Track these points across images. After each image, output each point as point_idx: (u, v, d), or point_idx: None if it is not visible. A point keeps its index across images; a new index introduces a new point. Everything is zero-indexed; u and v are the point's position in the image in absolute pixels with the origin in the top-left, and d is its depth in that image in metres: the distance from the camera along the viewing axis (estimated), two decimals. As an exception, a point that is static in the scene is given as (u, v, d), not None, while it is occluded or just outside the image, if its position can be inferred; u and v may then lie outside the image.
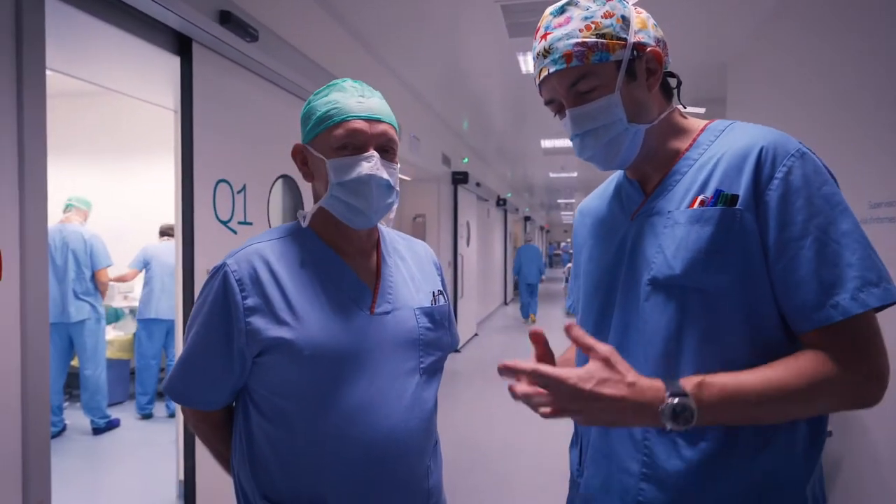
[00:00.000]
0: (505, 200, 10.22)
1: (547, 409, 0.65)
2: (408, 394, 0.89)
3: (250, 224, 2.34)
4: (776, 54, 2.97)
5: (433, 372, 0.96)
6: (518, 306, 10.02)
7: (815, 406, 0.69)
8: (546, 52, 0.78)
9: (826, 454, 0.77)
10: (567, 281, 10.64)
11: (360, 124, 0.87)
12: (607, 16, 0.76)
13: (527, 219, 16.95)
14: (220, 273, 0.87)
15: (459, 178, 6.47)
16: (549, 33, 0.78)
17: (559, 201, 17.63)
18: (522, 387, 0.65)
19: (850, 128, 2.10)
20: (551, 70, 0.78)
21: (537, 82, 0.82)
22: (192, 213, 2.01)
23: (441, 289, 1.04)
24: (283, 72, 2.45)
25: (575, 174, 10.55)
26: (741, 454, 0.71)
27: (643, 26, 0.79)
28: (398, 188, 0.94)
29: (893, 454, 1.83)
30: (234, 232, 2.22)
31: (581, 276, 0.94)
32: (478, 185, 7.46)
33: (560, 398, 0.64)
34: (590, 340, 0.66)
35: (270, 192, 2.52)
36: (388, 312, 0.92)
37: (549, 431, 3.81)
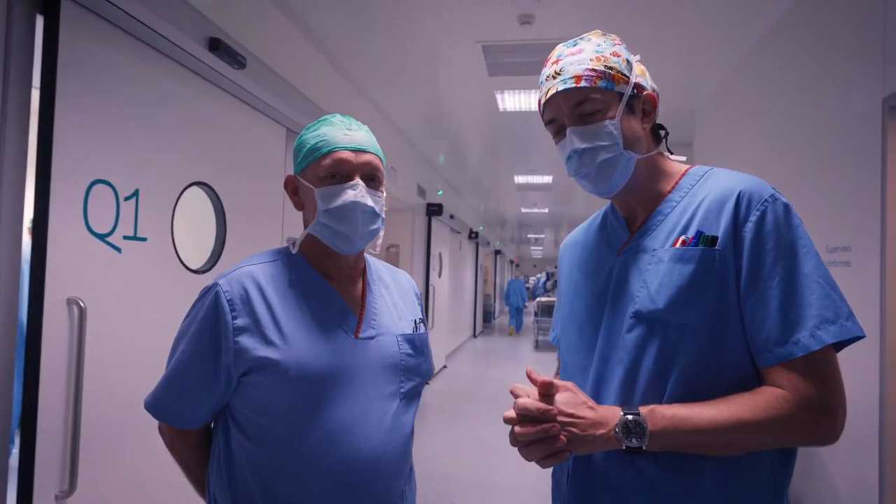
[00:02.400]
0: (477, 233, 10.33)
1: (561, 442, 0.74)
2: (388, 417, 0.93)
3: (143, 240, 1.78)
4: (742, 101, 3.17)
5: (412, 397, 1.00)
6: (482, 340, 10.13)
7: (769, 439, 0.72)
8: (556, 74, 0.84)
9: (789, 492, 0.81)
10: (536, 315, 10.72)
11: (346, 154, 0.93)
12: (615, 55, 0.84)
13: (497, 252, 17.12)
14: (211, 292, 0.90)
15: (434, 210, 6.53)
16: (561, 59, 0.85)
17: (529, 236, 17.92)
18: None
19: (808, 175, 2.24)
20: (560, 88, 0.83)
21: (542, 102, 0.87)
22: (45, 221, 1.45)
23: (422, 317, 1.09)
24: (204, 58, 1.98)
25: (546, 210, 10.78)
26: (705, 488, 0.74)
27: (643, 74, 0.87)
28: (384, 215, 0.98)
29: (853, 492, 1.89)
30: (118, 249, 1.68)
31: (565, 308, 0.97)
32: (451, 217, 7.54)
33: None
34: (547, 380, 0.76)
35: (177, 201, 1.98)
36: (371, 337, 0.96)
37: (517, 465, 3.77)
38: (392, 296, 1.05)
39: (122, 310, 1.72)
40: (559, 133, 0.86)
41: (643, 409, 0.73)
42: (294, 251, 0.97)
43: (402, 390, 0.96)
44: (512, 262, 24.96)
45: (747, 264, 0.75)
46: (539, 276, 22.09)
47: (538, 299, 10.97)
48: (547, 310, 10.63)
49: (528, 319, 14.34)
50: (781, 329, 0.72)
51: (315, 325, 0.91)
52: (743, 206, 0.76)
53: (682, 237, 0.79)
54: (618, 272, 0.86)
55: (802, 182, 2.27)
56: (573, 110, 0.83)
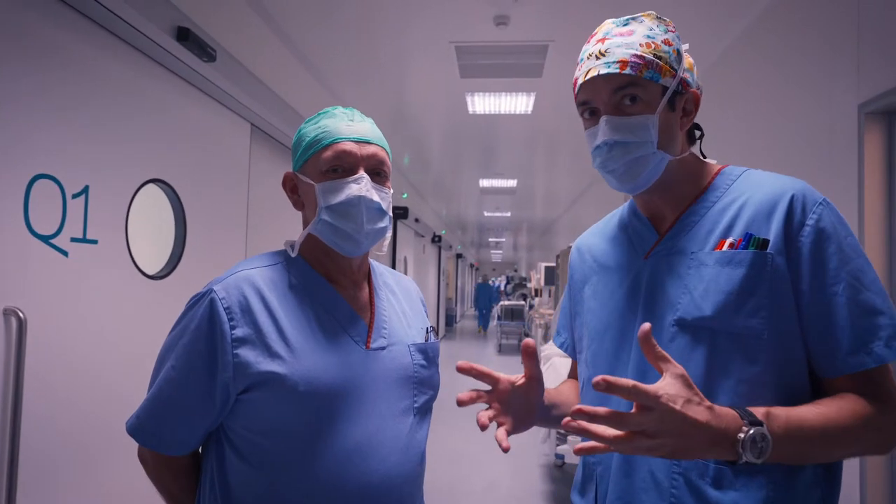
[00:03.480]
0: (440, 237, 10.28)
1: (589, 444, 0.58)
2: (403, 435, 0.86)
3: (93, 242, 1.62)
4: (718, 105, 3.23)
5: (425, 412, 0.93)
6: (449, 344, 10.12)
7: (857, 447, 0.70)
8: (601, 54, 0.77)
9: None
10: (500, 319, 10.75)
11: (349, 146, 0.86)
12: (666, 43, 0.78)
13: (459, 256, 17.13)
14: (205, 300, 0.81)
15: (399, 214, 6.43)
16: (608, 38, 0.78)
17: (490, 240, 18.02)
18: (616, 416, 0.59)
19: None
20: (602, 71, 0.76)
21: (580, 82, 0.79)
22: None
23: (432, 325, 1.01)
24: (171, 48, 1.84)
25: (508, 214, 10.84)
26: None
27: (690, 68, 0.82)
28: (391, 213, 0.90)
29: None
30: (64, 253, 1.51)
31: (585, 314, 0.91)
32: (417, 220, 7.45)
33: (649, 419, 0.58)
34: (663, 352, 0.62)
35: (132, 200, 1.82)
36: (383, 348, 0.88)
37: (490, 470, 3.72)
38: (400, 302, 0.98)
39: (69, 321, 1.54)
40: (592, 118, 0.80)
41: (758, 413, 0.63)
42: (294, 254, 0.89)
43: (416, 405, 0.89)
44: (472, 265, 25.07)
45: (809, 269, 0.71)
46: (496, 279, 22.27)
47: (501, 303, 11.00)
48: (510, 313, 10.67)
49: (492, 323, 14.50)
50: (853, 338, 0.69)
51: (323, 334, 0.83)
52: (798, 210, 0.72)
53: (730, 240, 0.75)
54: (649, 276, 0.81)
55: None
56: (612, 97, 0.77)
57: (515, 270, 25.83)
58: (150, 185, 1.93)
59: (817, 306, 0.70)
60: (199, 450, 0.88)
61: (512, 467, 3.90)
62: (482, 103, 4.14)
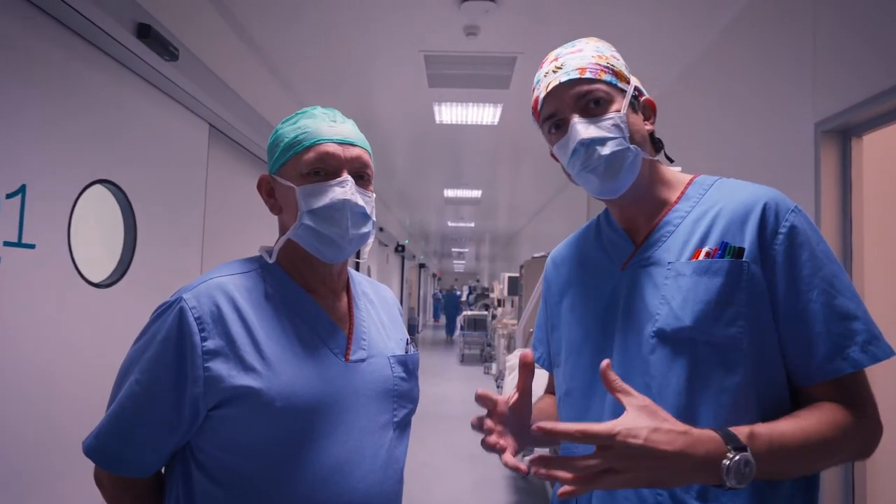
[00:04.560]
0: (403, 247, 10.22)
1: (569, 488, 0.56)
2: (383, 451, 0.82)
3: (30, 247, 1.49)
4: (679, 121, 3.32)
5: (404, 427, 0.90)
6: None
7: (838, 457, 0.69)
8: (557, 69, 0.80)
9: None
10: (463, 329, 10.73)
11: (332, 147, 0.82)
12: (614, 57, 0.82)
13: (421, 266, 17.07)
14: (173, 309, 0.75)
15: (363, 222, 6.33)
16: (560, 57, 0.81)
17: (453, 250, 18.05)
18: (582, 463, 0.57)
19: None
20: (563, 79, 0.78)
21: (542, 96, 0.81)
22: None
23: (409, 337, 0.98)
24: (130, 45, 1.75)
25: (472, 224, 10.89)
26: None
27: (639, 83, 0.85)
28: (374, 218, 0.86)
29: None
30: None
31: (562, 327, 0.90)
32: (381, 230, 7.37)
33: (610, 457, 0.56)
34: (624, 385, 0.61)
35: (76, 201, 1.68)
36: (363, 360, 0.85)
37: (454, 484, 3.65)
38: (378, 313, 0.95)
39: (0, 333, 1.40)
40: (558, 131, 0.80)
41: (741, 435, 0.61)
42: (271, 260, 0.85)
43: (395, 419, 0.86)
44: (434, 275, 25.02)
45: (784, 277, 0.71)
46: (457, 289, 22.33)
47: (464, 313, 10.99)
48: (473, 323, 10.67)
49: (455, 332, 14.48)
50: (829, 344, 0.69)
51: (301, 346, 0.79)
52: (771, 218, 0.73)
53: (705, 249, 0.75)
54: (626, 288, 0.80)
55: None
56: (578, 101, 0.78)
57: (478, 281, 25.96)
58: (98, 187, 1.79)
59: (793, 313, 0.71)
60: (163, 470, 0.82)
61: (476, 479, 3.85)
62: (449, 113, 4.14)
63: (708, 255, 0.74)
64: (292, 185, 0.81)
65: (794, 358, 0.71)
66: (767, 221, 0.73)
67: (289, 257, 0.85)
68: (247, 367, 0.74)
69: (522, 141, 4.87)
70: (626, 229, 0.85)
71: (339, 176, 0.81)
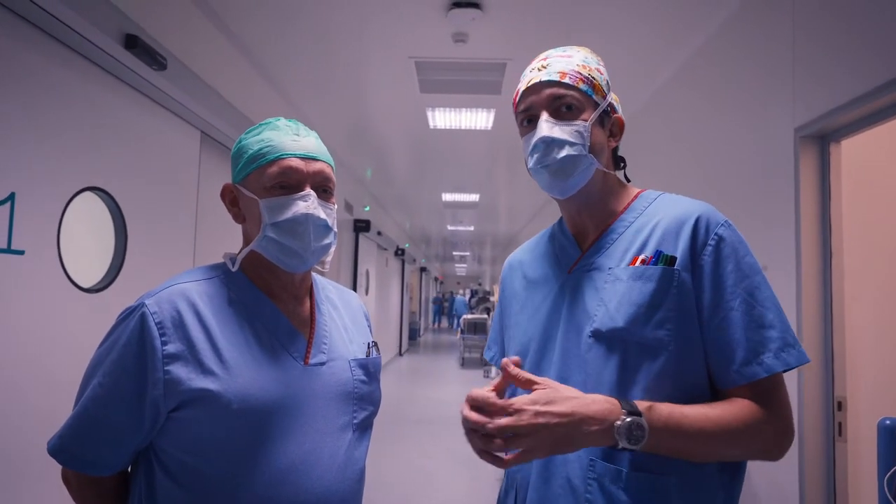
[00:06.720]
0: (403, 251, 10.23)
1: (500, 447, 0.65)
2: (341, 452, 0.84)
3: (19, 253, 1.52)
4: (662, 127, 3.35)
5: (364, 428, 0.92)
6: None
7: (739, 448, 0.73)
8: (543, 68, 0.86)
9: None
10: (463, 332, 10.73)
11: (295, 162, 0.84)
12: (598, 71, 0.87)
13: (423, 269, 17.08)
14: (135, 314, 0.78)
15: (361, 227, 6.37)
16: (549, 58, 0.87)
17: (455, 253, 18.07)
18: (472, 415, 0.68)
19: (727, 199, 2.38)
20: (543, 78, 0.84)
21: (522, 90, 0.87)
22: None
23: (374, 341, 1.00)
24: (118, 55, 1.78)
25: (472, 228, 10.91)
26: None
27: (616, 101, 0.90)
28: (336, 229, 0.89)
29: (775, 499, 1.98)
30: None
31: (513, 328, 0.95)
32: (379, 233, 7.40)
33: (509, 422, 0.65)
34: (528, 375, 0.70)
35: (66, 208, 1.72)
36: (322, 363, 0.87)
37: (449, 486, 3.66)
38: (342, 317, 0.97)
39: (-11, 337, 1.43)
40: (530, 125, 0.86)
41: (641, 406, 0.69)
42: (234, 268, 0.87)
43: (354, 421, 0.88)
44: (437, 279, 25.04)
45: (709, 285, 0.76)
46: (458, 293, 22.31)
47: (464, 316, 10.98)
48: (473, 327, 10.67)
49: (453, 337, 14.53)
50: (746, 350, 0.73)
51: (260, 350, 0.82)
52: (702, 230, 0.78)
53: (641, 256, 0.80)
54: (571, 291, 0.85)
55: (722, 204, 2.40)
56: (551, 103, 0.83)
57: (479, 284, 25.95)
58: (89, 194, 1.83)
59: (716, 320, 0.75)
60: (128, 469, 0.84)
61: (469, 482, 3.86)
62: (443, 118, 4.17)
63: (643, 262, 0.79)
64: (256, 197, 0.83)
65: (716, 362, 0.75)
66: (699, 233, 0.78)
67: (252, 265, 0.88)
68: (205, 371, 0.76)
69: (518, 146, 4.88)
70: (576, 235, 0.91)
71: (302, 190, 0.83)
